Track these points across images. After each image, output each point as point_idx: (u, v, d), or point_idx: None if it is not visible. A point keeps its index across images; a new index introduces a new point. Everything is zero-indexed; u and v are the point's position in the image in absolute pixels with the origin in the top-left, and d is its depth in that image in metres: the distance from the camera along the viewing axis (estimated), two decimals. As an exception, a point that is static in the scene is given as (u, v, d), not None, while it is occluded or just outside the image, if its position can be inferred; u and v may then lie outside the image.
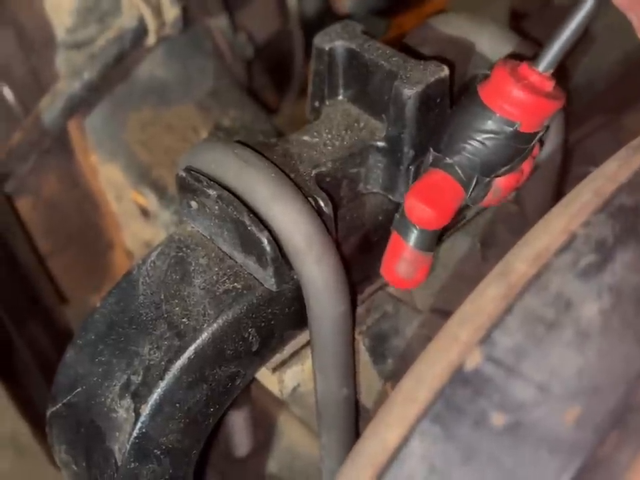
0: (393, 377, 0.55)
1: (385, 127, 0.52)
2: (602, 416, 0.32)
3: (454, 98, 0.54)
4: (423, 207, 0.48)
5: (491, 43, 0.59)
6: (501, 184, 0.51)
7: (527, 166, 0.52)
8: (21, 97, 0.72)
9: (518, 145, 0.48)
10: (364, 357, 0.56)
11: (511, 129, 0.47)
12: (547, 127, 0.51)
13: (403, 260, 0.51)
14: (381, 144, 0.52)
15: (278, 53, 1.06)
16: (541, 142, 0.55)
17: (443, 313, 0.57)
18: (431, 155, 0.51)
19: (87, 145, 0.77)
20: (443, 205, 0.48)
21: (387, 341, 0.56)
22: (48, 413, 0.53)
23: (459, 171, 0.49)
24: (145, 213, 0.77)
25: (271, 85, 1.06)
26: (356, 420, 0.58)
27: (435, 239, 0.51)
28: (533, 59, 0.49)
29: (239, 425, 0.76)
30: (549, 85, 0.48)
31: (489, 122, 0.48)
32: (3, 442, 1.46)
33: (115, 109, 0.75)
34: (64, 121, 0.72)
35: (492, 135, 0.48)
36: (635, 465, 0.32)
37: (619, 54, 0.71)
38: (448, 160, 0.49)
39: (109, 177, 0.77)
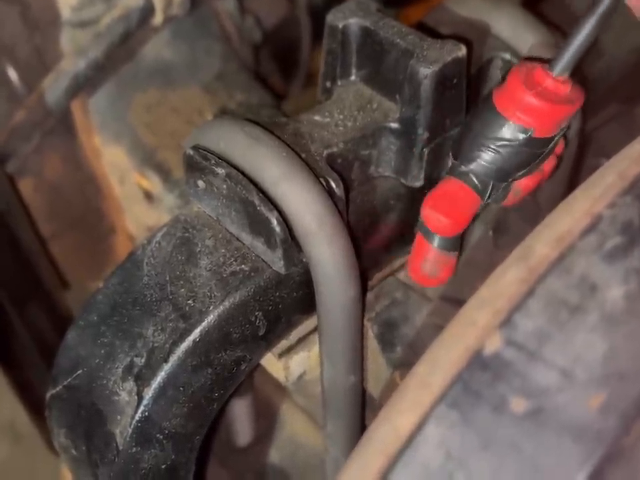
0: (402, 365, 0.54)
1: (399, 108, 0.51)
2: (627, 403, 0.31)
3: (470, 80, 0.52)
4: (438, 216, 0.49)
5: (507, 24, 0.58)
6: (521, 185, 0.51)
7: (547, 165, 0.52)
8: (25, 75, 0.71)
9: (533, 150, 0.48)
10: (372, 344, 0.55)
11: (525, 135, 0.47)
12: (567, 127, 0.50)
13: (427, 260, 0.51)
14: (394, 125, 0.51)
15: (285, 39, 1.05)
16: (565, 137, 0.54)
17: (453, 300, 0.55)
18: (450, 162, 0.51)
19: (91, 125, 0.75)
20: (459, 213, 0.49)
21: (396, 329, 0.55)
22: (48, 395, 0.51)
23: (474, 179, 0.49)
24: (148, 196, 0.75)
25: (278, 71, 1.04)
26: (362, 409, 0.56)
27: (458, 240, 0.52)
28: (549, 61, 0.48)
29: (241, 413, 0.75)
30: (564, 89, 0.47)
31: (503, 129, 0.47)
32: (1, 429, 1.45)
33: (120, 89, 0.74)
34: (68, 100, 0.70)
35: (506, 143, 0.48)
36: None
37: (633, 43, 0.70)
38: (463, 168, 0.49)
39: (112, 159, 0.76)
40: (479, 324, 0.35)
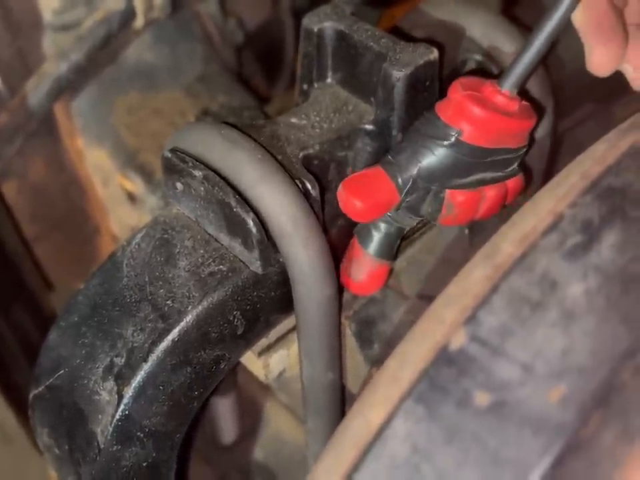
0: (380, 362, 0.55)
1: (374, 110, 0.52)
2: (586, 396, 0.32)
3: (443, 83, 0.53)
4: (350, 197, 0.48)
5: (482, 27, 0.59)
6: (455, 199, 0.49)
7: (491, 191, 0.50)
8: (7, 79, 0.71)
9: (467, 158, 0.47)
10: (350, 341, 0.56)
11: (455, 136, 0.47)
12: (517, 150, 0.49)
13: (353, 261, 0.52)
14: (369, 127, 0.52)
15: (269, 41, 1.05)
16: (526, 174, 0.52)
17: (430, 298, 0.56)
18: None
19: (74, 128, 0.76)
20: (372, 199, 0.48)
21: (374, 326, 0.56)
22: (31, 395, 0.52)
23: (396, 170, 0.48)
24: (131, 198, 0.76)
25: (261, 73, 1.05)
26: (342, 405, 0.57)
27: (391, 249, 0.52)
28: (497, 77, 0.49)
29: (225, 412, 0.76)
30: (508, 103, 0.47)
31: (434, 126, 0.48)
32: (-10, 432, 1.45)
33: (102, 92, 0.74)
34: (50, 103, 0.71)
35: (437, 140, 0.47)
36: (620, 449, 0.32)
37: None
38: (389, 157, 0.49)
39: (95, 162, 0.77)
40: (447, 320, 0.36)
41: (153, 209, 0.74)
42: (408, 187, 0.48)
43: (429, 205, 0.49)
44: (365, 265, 0.52)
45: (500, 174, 0.50)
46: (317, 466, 0.38)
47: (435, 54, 0.50)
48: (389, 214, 0.51)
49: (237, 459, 0.75)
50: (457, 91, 0.48)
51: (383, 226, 0.52)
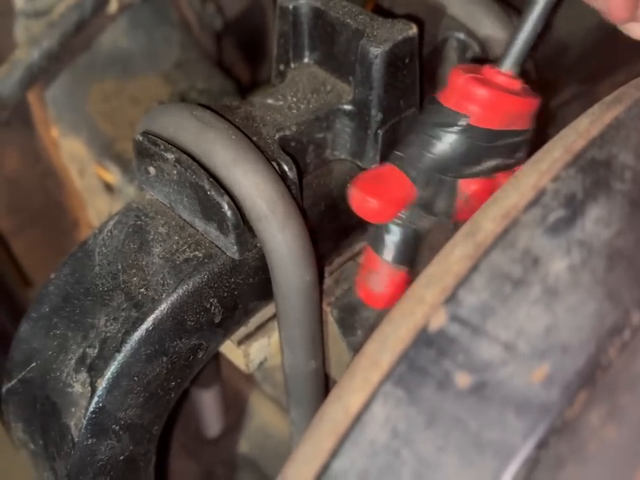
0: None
1: (352, 90, 0.50)
2: (571, 375, 0.30)
3: (423, 61, 0.52)
4: (365, 197, 0.46)
5: (463, 5, 0.57)
6: (469, 188, 0.48)
7: (503, 179, 0.48)
8: (-23, 67, 0.69)
9: (479, 142, 0.46)
10: (333, 328, 0.54)
11: (464, 121, 0.45)
12: (524, 133, 0.48)
13: (371, 272, 0.49)
14: (348, 107, 0.51)
15: (250, 27, 1.03)
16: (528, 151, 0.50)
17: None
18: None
19: (48, 117, 0.74)
20: (388, 196, 0.47)
21: (357, 313, 0.54)
22: (4, 389, 0.50)
23: (408, 164, 0.47)
24: (109, 188, 0.74)
25: (243, 60, 1.03)
26: (325, 394, 0.56)
27: (410, 254, 0.49)
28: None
29: (209, 405, 0.74)
30: (510, 82, 0.46)
31: (440, 115, 0.46)
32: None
33: (77, 79, 0.72)
34: (22, 91, 0.69)
35: (446, 128, 0.46)
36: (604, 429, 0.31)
37: (591, 22, 0.70)
38: (398, 153, 0.48)
39: (71, 151, 0.75)
40: (427, 301, 0.35)
41: (130, 198, 0.72)
42: (422, 179, 0.46)
43: (443, 198, 0.48)
44: (384, 275, 0.49)
45: (510, 160, 0.49)
46: (294, 455, 0.37)
47: (414, 30, 0.49)
48: (402, 215, 0.48)
49: (222, 453, 0.74)
50: (459, 75, 0.46)
51: (397, 230, 0.49)
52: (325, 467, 0.33)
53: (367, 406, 0.33)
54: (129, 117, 0.74)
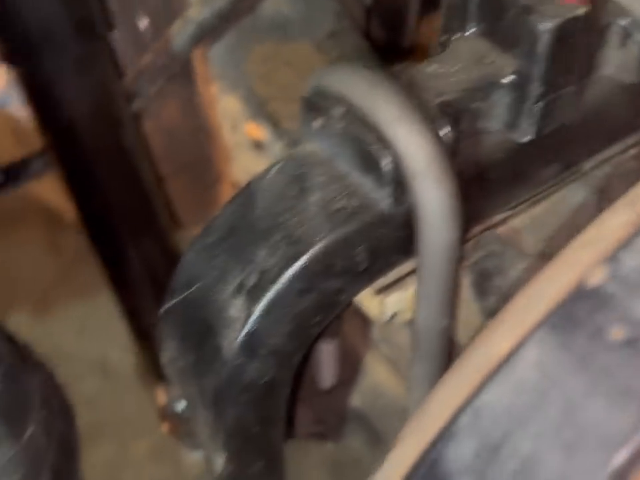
0: (495, 315, 0.55)
1: (515, 63, 0.52)
2: None
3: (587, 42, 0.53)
4: None
5: (630, -10, 0.57)
6: None
7: None
8: (154, 21, 0.76)
9: None
10: (466, 292, 0.56)
11: None
12: None
13: None
14: (508, 80, 0.52)
15: (393, 6, 1.06)
16: None
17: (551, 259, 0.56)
18: None
19: (209, 74, 0.80)
20: None
21: (491, 279, 0.56)
22: (162, 309, 0.56)
23: None
24: (257, 145, 0.79)
25: (384, 37, 1.06)
26: (450, 356, 0.58)
27: None
28: None
29: (326, 358, 0.78)
30: None
31: None
32: (92, 366, 1.54)
33: (240, 40, 0.78)
34: (192, 47, 0.75)
35: None
36: None
37: None
38: None
39: (226, 108, 0.80)
40: (583, 260, 0.36)
41: (277, 156, 0.77)
42: None
43: None
44: None
45: None
46: (432, 395, 0.40)
47: (582, 9, 0.50)
48: None
49: (334, 403, 0.78)
50: None
51: None
52: (470, 399, 0.36)
53: (516, 349, 0.36)
54: (282, 80, 0.78)
